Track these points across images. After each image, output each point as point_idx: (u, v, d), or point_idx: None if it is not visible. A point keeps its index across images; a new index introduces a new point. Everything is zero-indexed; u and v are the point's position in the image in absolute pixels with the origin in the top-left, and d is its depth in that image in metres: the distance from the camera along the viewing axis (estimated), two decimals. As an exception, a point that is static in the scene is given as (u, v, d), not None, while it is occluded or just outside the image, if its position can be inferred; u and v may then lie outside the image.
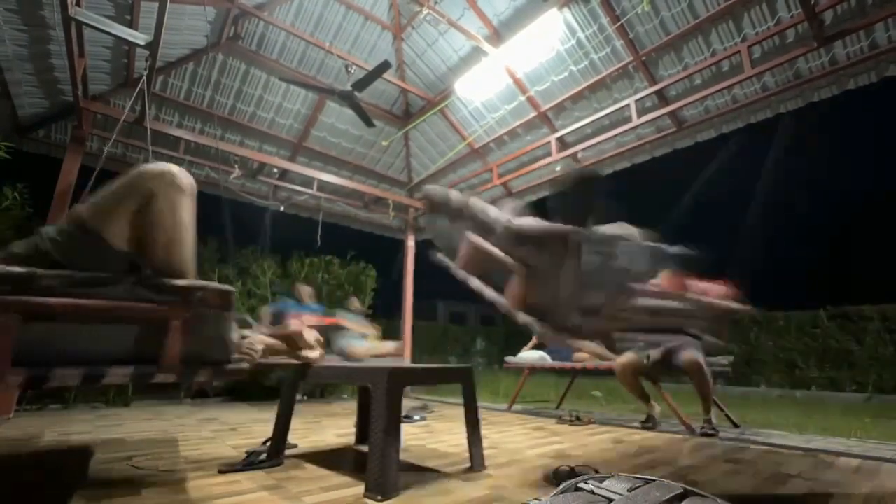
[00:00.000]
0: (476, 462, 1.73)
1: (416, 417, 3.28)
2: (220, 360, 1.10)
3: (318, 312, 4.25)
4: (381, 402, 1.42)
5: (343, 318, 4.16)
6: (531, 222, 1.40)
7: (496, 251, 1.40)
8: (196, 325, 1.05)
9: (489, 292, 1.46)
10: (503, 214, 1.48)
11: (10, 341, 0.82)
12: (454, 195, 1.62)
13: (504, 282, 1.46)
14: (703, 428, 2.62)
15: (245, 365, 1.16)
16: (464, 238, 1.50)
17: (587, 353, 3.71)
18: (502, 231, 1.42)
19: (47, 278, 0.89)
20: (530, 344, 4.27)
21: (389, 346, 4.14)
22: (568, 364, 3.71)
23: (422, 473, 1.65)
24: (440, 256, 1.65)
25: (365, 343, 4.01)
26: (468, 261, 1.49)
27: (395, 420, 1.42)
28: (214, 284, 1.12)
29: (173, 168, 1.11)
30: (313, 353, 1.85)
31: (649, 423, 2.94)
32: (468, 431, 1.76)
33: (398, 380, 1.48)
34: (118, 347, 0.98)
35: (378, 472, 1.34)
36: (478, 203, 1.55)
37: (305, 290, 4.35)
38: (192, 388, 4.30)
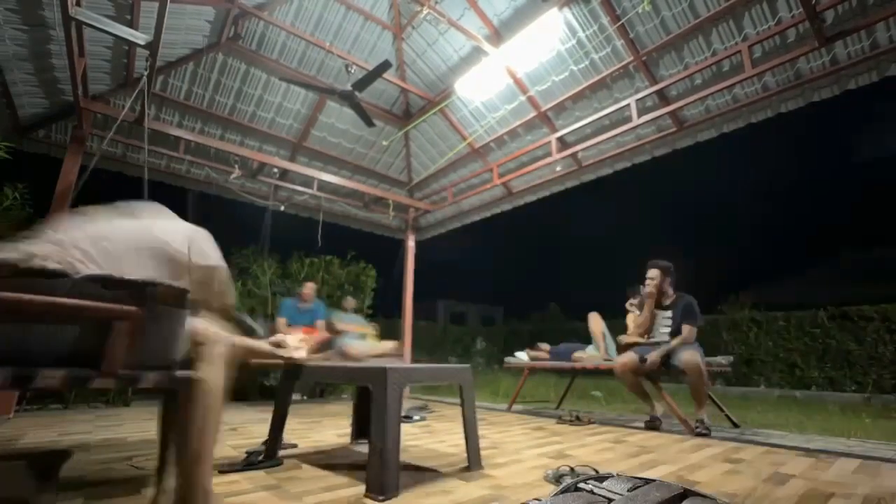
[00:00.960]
0: (473, 462, 1.73)
1: (416, 417, 3.28)
2: (168, 363, 1.02)
3: (319, 316, 4.22)
4: (381, 402, 1.42)
5: (340, 322, 4.14)
6: None
7: None
8: (146, 325, 0.97)
9: None
10: None
11: None
12: None
13: None
14: (696, 427, 2.62)
15: (199, 374, 1.05)
16: None
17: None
18: None
19: None
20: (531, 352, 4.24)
21: (388, 345, 4.14)
22: (568, 364, 3.71)
23: (421, 473, 1.66)
24: None
25: (363, 343, 4.00)
26: None
27: (395, 420, 1.41)
28: (168, 282, 1.03)
29: None
30: (298, 354, 1.85)
31: (654, 423, 2.91)
32: (466, 431, 1.76)
33: (398, 379, 1.47)
34: (58, 347, 0.89)
35: (378, 472, 1.34)
36: None
37: (308, 289, 4.30)
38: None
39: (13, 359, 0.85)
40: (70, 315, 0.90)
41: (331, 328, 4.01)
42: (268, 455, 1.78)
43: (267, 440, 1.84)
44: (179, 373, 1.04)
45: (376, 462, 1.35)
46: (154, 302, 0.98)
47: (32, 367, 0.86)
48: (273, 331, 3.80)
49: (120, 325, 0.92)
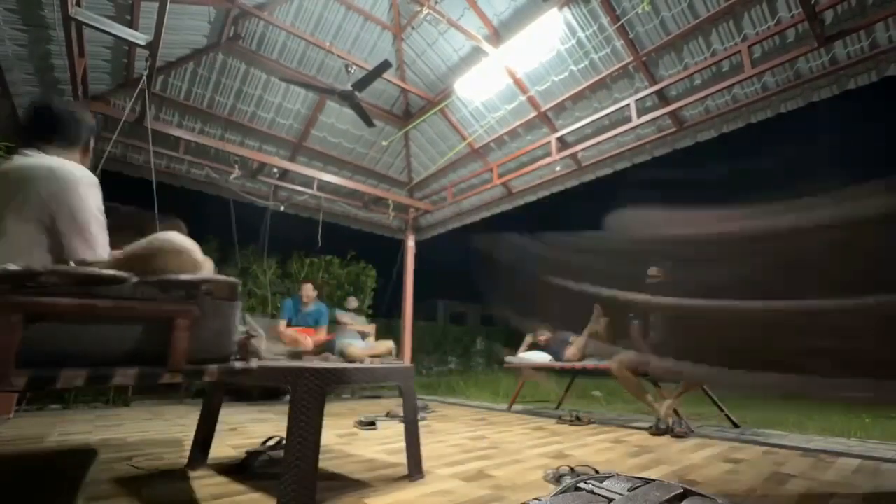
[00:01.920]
0: (413, 468, 1.59)
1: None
2: (225, 355, 1.07)
3: (321, 319, 4.24)
4: (300, 406, 1.24)
5: (343, 316, 4.18)
6: None
7: None
8: (202, 320, 1.01)
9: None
10: None
11: (14, 342, 0.80)
12: None
13: None
14: (657, 424, 2.64)
15: (255, 364, 1.11)
16: None
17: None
18: None
19: (48, 275, 0.86)
20: (525, 344, 4.28)
21: (385, 345, 4.17)
22: (568, 364, 3.72)
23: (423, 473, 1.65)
24: None
25: (362, 343, 4.03)
26: None
27: (315, 427, 1.25)
28: (220, 276, 1.08)
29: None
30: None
31: (661, 427, 2.67)
32: (406, 435, 1.63)
33: (321, 381, 1.29)
34: (124, 347, 0.95)
35: (293, 486, 1.18)
36: None
37: (307, 290, 4.33)
38: (191, 387, 4.31)
39: (87, 359, 0.90)
40: (133, 315, 0.95)
41: (333, 324, 4.05)
42: (192, 461, 1.69)
43: (268, 440, 1.84)
44: (237, 364, 1.07)
45: (291, 474, 1.19)
46: (209, 297, 1.03)
47: (108, 366, 0.91)
48: (274, 331, 3.82)
49: (181, 321, 0.97)
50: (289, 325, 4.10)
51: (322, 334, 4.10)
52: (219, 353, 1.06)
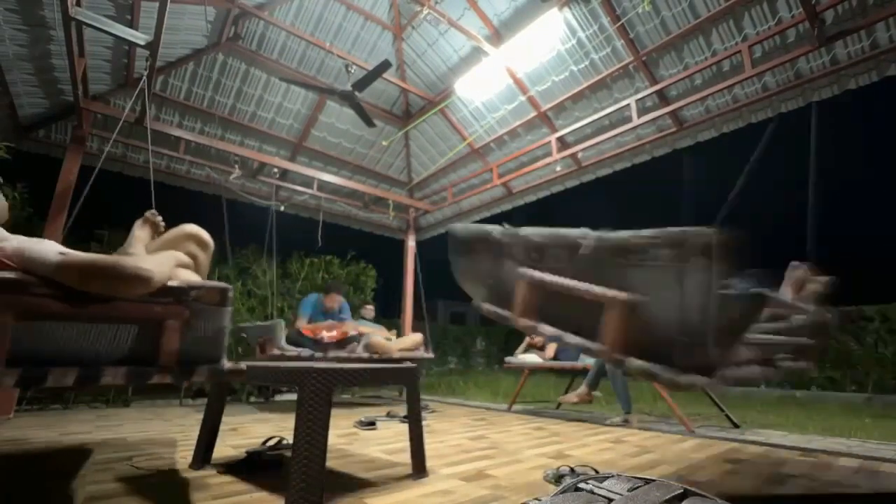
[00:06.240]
0: (418, 469, 1.60)
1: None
2: (216, 357, 1.11)
3: (346, 316, 4.20)
4: (308, 406, 1.25)
5: (362, 327, 4.17)
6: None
7: (575, 283, 1.10)
8: (193, 323, 1.06)
9: (573, 338, 1.16)
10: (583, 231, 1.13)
11: (3, 341, 0.81)
12: (494, 229, 1.33)
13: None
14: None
15: (243, 366, 1.15)
16: (520, 276, 1.21)
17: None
18: (596, 247, 1.09)
19: (38, 286, 0.89)
20: (523, 346, 4.28)
21: (412, 339, 4.19)
22: (568, 364, 3.72)
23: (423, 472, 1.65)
24: (488, 307, 1.39)
25: (388, 338, 4.06)
26: (529, 304, 1.21)
27: (322, 427, 1.25)
28: (211, 282, 1.12)
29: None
30: None
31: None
32: (410, 435, 1.65)
33: (328, 381, 1.30)
34: (115, 348, 0.98)
35: (301, 486, 1.18)
36: (534, 229, 1.24)
37: (335, 300, 4.20)
38: (191, 387, 4.30)
39: (79, 359, 0.93)
40: (124, 317, 1.00)
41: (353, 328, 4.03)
42: (195, 463, 1.66)
43: (268, 440, 1.83)
44: (227, 365, 1.12)
45: (299, 474, 1.18)
46: (198, 303, 1.08)
47: (98, 366, 0.94)
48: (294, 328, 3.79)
49: (171, 322, 1.02)
50: (310, 322, 3.99)
51: (347, 327, 4.01)
52: (209, 354, 1.10)
